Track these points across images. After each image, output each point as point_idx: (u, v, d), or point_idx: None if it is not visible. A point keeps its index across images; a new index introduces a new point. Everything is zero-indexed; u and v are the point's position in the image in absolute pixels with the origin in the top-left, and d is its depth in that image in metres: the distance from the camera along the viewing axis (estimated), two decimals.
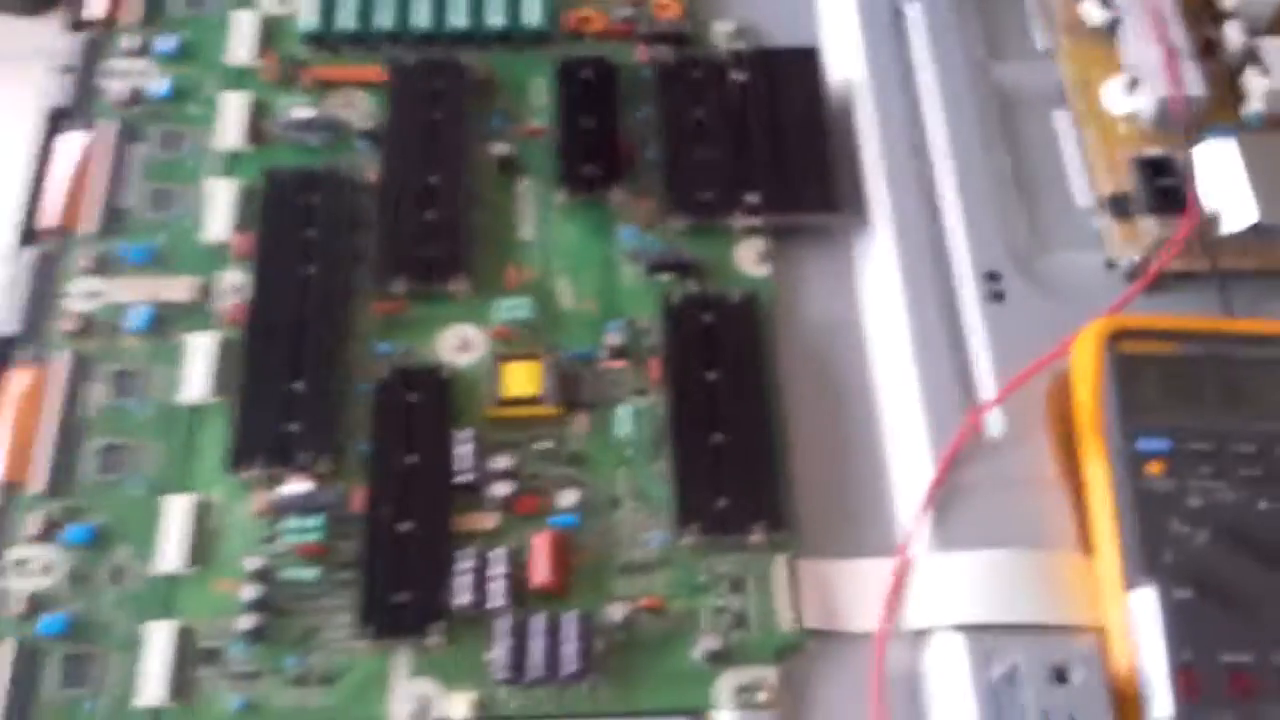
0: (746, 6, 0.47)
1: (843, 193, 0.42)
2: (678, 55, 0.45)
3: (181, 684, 0.35)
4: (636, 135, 0.44)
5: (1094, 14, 0.45)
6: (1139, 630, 0.34)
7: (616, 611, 0.36)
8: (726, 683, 0.35)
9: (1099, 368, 0.37)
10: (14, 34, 1.20)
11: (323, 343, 0.40)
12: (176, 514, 0.38)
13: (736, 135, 0.43)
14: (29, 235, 0.43)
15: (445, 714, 0.35)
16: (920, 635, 0.36)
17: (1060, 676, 0.33)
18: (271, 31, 0.47)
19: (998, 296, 0.40)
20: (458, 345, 0.41)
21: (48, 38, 1.21)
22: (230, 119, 0.44)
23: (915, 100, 0.44)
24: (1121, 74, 0.44)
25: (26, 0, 1.21)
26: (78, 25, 0.47)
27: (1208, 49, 0.44)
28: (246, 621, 0.36)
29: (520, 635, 0.35)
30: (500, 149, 0.43)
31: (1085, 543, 0.36)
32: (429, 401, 0.39)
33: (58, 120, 0.45)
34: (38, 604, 0.36)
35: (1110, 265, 0.41)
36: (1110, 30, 0.45)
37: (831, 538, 0.38)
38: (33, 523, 0.37)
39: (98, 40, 0.47)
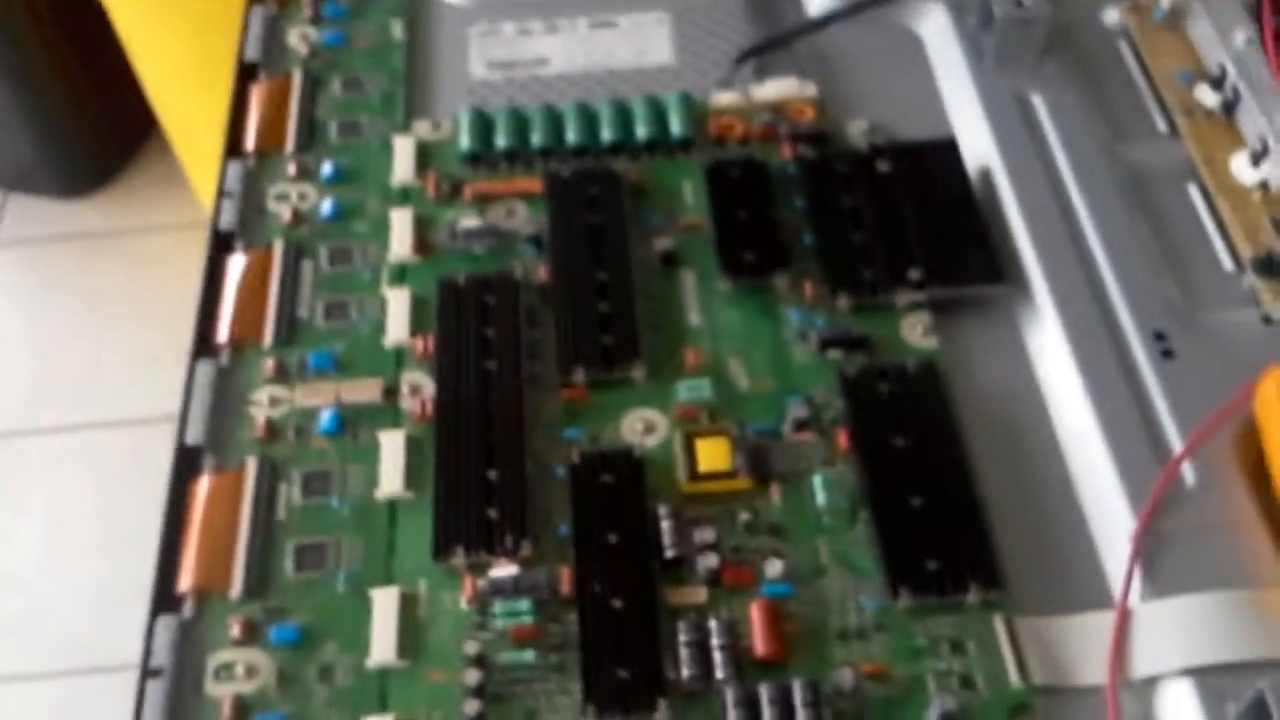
0: (876, 108, 0.50)
1: (1003, 265, 0.44)
2: (820, 151, 0.47)
3: None
4: (789, 225, 0.46)
5: (1209, 97, 0.48)
6: None
7: (846, 678, 0.35)
8: None
9: None
10: (58, 216, 1.24)
11: (511, 432, 0.40)
12: (383, 606, 0.37)
13: (888, 219, 0.45)
14: (205, 350, 0.44)
15: None
16: (1148, 683, 0.36)
17: None
18: (429, 154, 0.49)
19: (1168, 354, 0.41)
20: (642, 428, 0.41)
21: (88, 219, 1.26)
22: (399, 233, 0.46)
23: (1053, 176, 0.46)
24: (1244, 148, 0.46)
25: (67, 185, 1.26)
26: (235, 154, 0.49)
27: None
28: (470, 707, 0.35)
29: (752, 705, 0.35)
30: (662, 244, 0.45)
31: None
32: (623, 481, 0.39)
33: (225, 242, 0.47)
34: (246, 708, 0.36)
35: (1267, 321, 0.43)
36: (1225, 110, 0.48)
37: (1040, 595, 0.38)
38: (235, 626, 0.37)
39: (254, 168, 0.49)
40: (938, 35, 0.52)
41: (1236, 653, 0.35)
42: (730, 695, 0.35)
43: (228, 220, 0.47)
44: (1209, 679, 0.35)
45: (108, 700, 0.92)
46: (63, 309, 1.17)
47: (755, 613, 0.37)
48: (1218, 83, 0.48)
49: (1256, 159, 0.46)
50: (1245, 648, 0.35)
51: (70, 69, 1.16)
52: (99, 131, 1.22)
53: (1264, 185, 0.45)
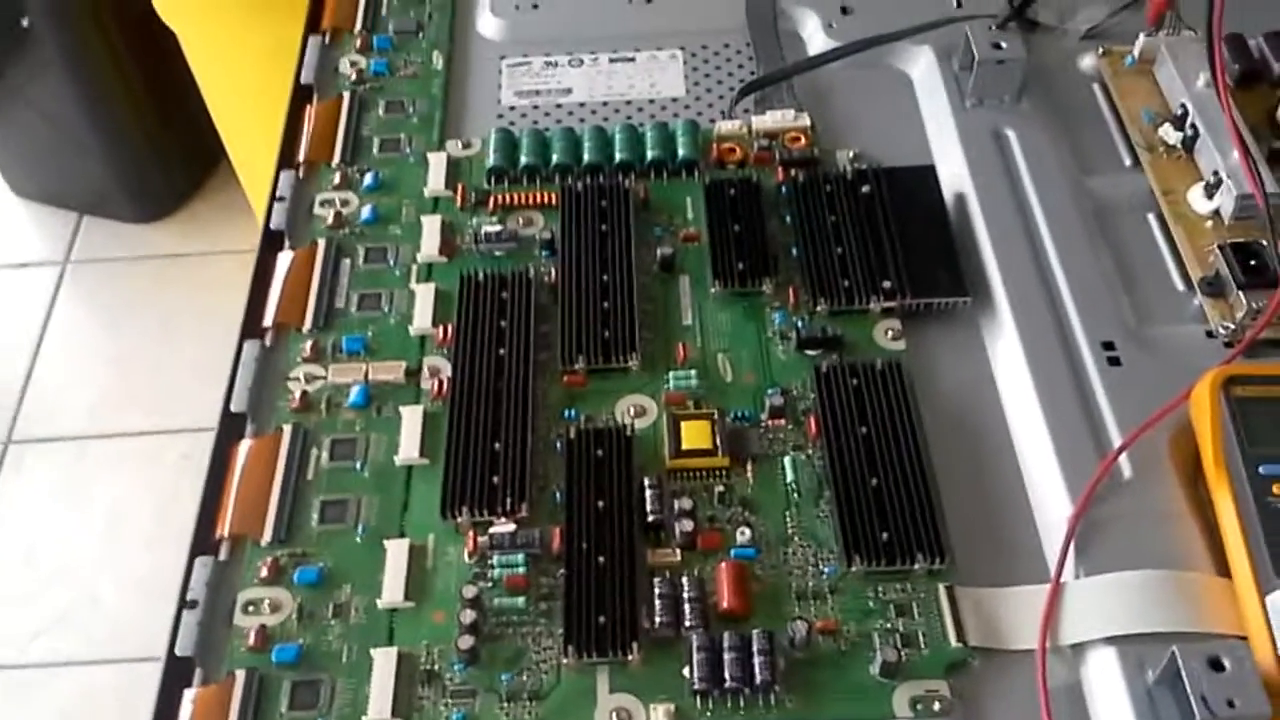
0: (863, 138, 0.55)
1: (969, 279, 0.48)
2: (810, 175, 0.52)
3: (404, 703, 0.39)
4: (778, 239, 0.50)
5: (1171, 134, 0.52)
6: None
7: (799, 630, 0.39)
8: (903, 694, 0.38)
9: (1218, 410, 0.42)
10: (129, 239, 1.33)
11: (517, 410, 0.45)
12: (395, 555, 0.42)
13: (867, 235, 0.49)
14: (252, 331, 0.49)
15: None
16: (1076, 650, 0.39)
17: (1215, 666, 0.36)
18: (459, 168, 0.54)
19: (1114, 361, 0.45)
20: (634, 412, 0.46)
21: (158, 243, 1.34)
22: (428, 236, 0.51)
23: (1022, 203, 0.50)
24: (1201, 181, 0.50)
25: (139, 211, 1.35)
26: (287, 164, 0.55)
27: (1274, 157, 0.50)
28: (464, 642, 0.39)
29: (714, 649, 0.39)
30: (663, 250, 0.50)
31: (1217, 567, 0.40)
32: (613, 455, 0.44)
33: (275, 239, 0.52)
34: (269, 638, 0.41)
35: (1210, 335, 0.47)
36: (1185, 146, 0.52)
37: (983, 569, 0.42)
38: (264, 568, 0.42)
39: (304, 177, 0.55)
40: (925, 75, 0.57)
41: (1156, 625, 0.39)
42: (696, 641, 0.39)
43: (278, 221, 0.52)
44: (1130, 647, 0.39)
45: (153, 688, 0.97)
46: (131, 325, 1.25)
47: (723, 572, 0.41)
48: (1179, 122, 0.52)
49: (1210, 191, 0.50)
50: (1164, 621, 0.39)
51: (145, 101, 1.25)
52: (170, 161, 1.31)
53: (1216, 214, 0.49)
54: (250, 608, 0.41)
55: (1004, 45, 0.53)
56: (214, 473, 0.45)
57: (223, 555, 0.43)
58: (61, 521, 1.09)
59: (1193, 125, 0.51)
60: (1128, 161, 0.53)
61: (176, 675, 0.40)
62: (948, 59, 0.56)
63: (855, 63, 0.57)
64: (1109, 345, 0.46)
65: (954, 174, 0.52)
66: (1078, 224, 0.50)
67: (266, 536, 0.43)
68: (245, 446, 0.45)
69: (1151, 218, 0.51)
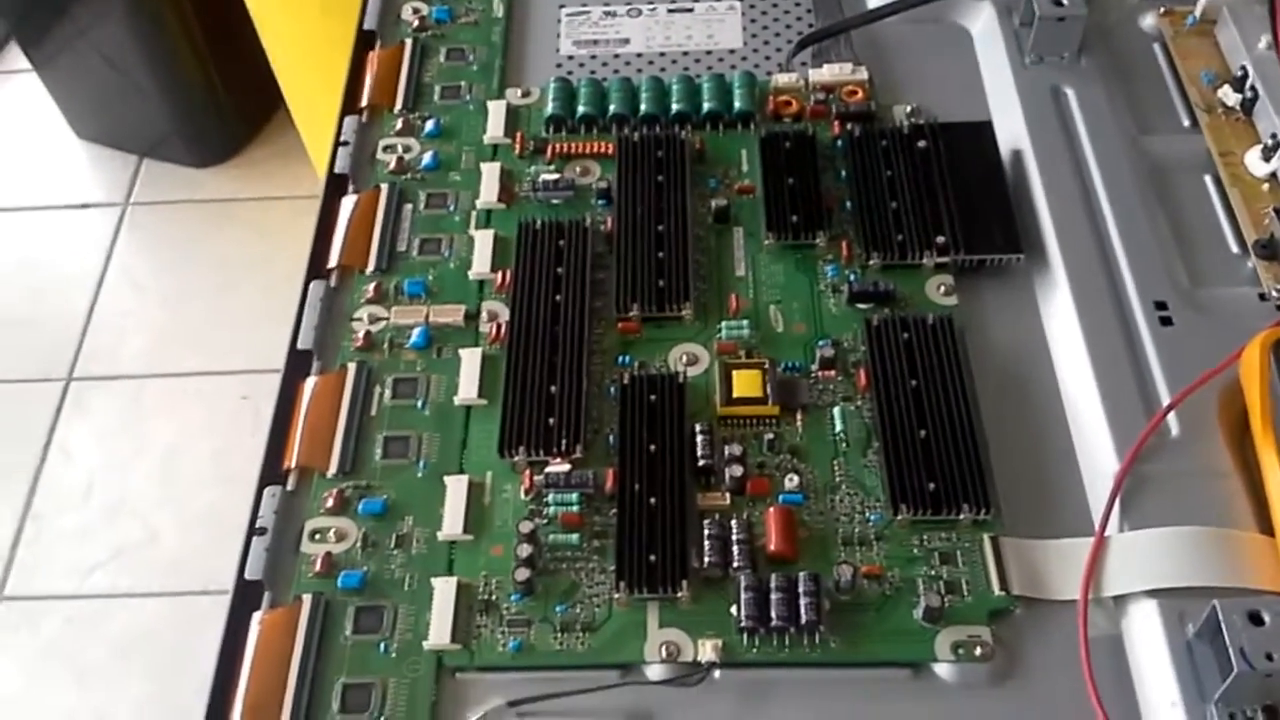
0: (921, 93, 0.55)
1: (1023, 236, 0.48)
2: (866, 129, 0.52)
3: (463, 630, 0.40)
4: (833, 193, 0.51)
5: (1230, 96, 0.52)
6: None
7: (845, 573, 0.40)
8: (945, 639, 0.40)
9: (1267, 372, 0.42)
10: (188, 183, 1.35)
11: (573, 354, 0.46)
12: (454, 491, 0.44)
13: (922, 190, 0.50)
14: (317, 272, 0.50)
15: (693, 658, 0.40)
16: (1117, 602, 0.40)
17: (1255, 620, 0.37)
18: (518, 116, 0.55)
19: (1166, 321, 0.46)
20: (686, 360, 0.47)
21: (215, 187, 1.36)
22: (487, 183, 0.52)
23: (1078, 161, 0.51)
24: (1259, 144, 0.50)
25: (198, 155, 1.37)
26: (351, 109, 0.56)
27: None
28: (520, 574, 0.41)
29: (761, 590, 0.40)
30: (717, 201, 0.51)
31: (1260, 525, 0.41)
32: (666, 401, 0.45)
33: (339, 183, 0.53)
34: (334, 565, 0.42)
35: (1263, 298, 0.47)
36: (1244, 109, 0.52)
37: (1029, 521, 0.42)
38: (329, 499, 0.44)
39: (367, 123, 0.56)
40: (984, 30, 0.57)
41: (1198, 579, 0.40)
42: (743, 582, 0.40)
43: (342, 165, 0.54)
44: (1171, 601, 0.39)
45: (209, 620, 1.01)
46: (188, 267, 1.27)
47: (771, 516, 0.42)
48: (1239, 84, 0.52)
49: (1268, 154, 0.50)
50: (1206, 576, 0.40)
51: (205, 46, 1.26)
52: (229, 107, 1.32)
53: (1273, 177, 0.49)
54: (317, 536, 0.43)
55: (1065, 2, 0.53)
56: (281, 407, 0.46)
57: (290, 486, 0.44)
58: (120, 458, 1.12)
59: (1252, 87, 0.51)
60: (1186, 122, 0.53)
61: (246, 598, 0.42)
62: (1008, 15, 0.56)
63: (914, 17, 0.57)
64: (1161, 305, 0.46)
65: (1011, 131, 0.53)
66: (1134, 184, 0.50)
67: (332, 469, 0.45)
68: (311, 383, 0.47)
69: (1208, 179, 0.51)
